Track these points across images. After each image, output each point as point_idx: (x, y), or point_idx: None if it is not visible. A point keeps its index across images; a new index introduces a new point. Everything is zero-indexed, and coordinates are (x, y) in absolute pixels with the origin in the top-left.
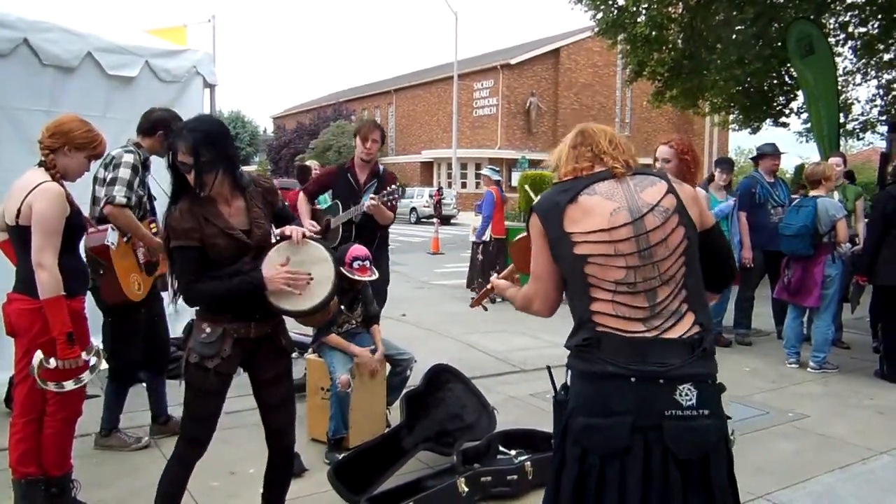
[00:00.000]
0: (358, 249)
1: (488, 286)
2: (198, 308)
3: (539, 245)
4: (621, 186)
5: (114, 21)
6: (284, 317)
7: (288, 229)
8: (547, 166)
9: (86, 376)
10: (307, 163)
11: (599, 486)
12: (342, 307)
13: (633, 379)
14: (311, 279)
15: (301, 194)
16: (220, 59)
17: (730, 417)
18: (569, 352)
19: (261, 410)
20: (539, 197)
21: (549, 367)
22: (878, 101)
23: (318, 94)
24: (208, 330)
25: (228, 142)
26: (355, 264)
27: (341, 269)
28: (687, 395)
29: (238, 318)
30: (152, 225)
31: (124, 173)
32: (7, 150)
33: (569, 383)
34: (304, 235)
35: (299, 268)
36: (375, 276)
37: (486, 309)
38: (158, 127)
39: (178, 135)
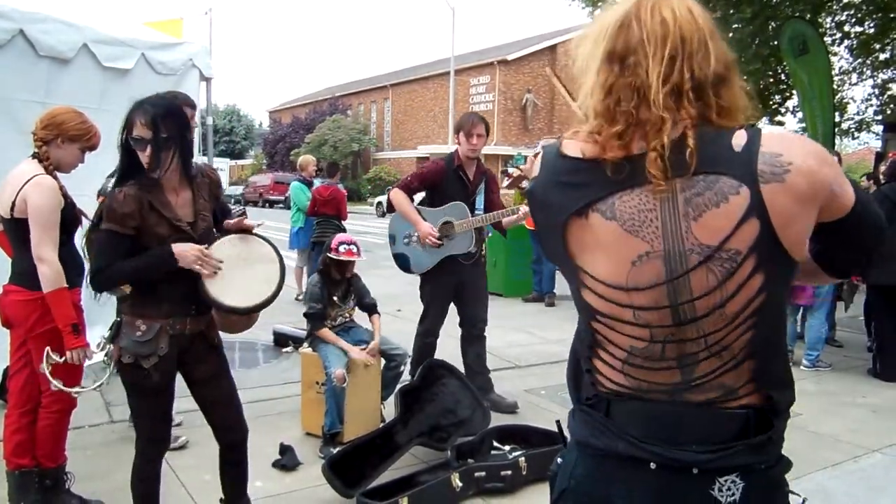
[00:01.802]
0: (344, 236)
1: (521, 171)
2: (127, 305)
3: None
4: (661, 206)
5: (110, 13)
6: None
7: (235, 222)
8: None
9: (105, 376)
10: (304, 156)
11: None
12: (335, 298)
13: (652, 465)
14: (221, 264)
15: (398, 191)
16: (216, 52)
17: (797, 494)
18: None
19: (204, 409)
20: (537, 175)
21: (558, 422)
22: (874, 101)
23: (314, 89)
24: (143, 328)
25: (187, 126)
26: (341, 248)
27: (328, 255)
28: (730, 489)
29: (174, 313)
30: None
31: None
32: (2, 141)
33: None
34: (251, 230)
35: (244, 264)
36: (362, 258)
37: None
38: None
39: (138, 108)
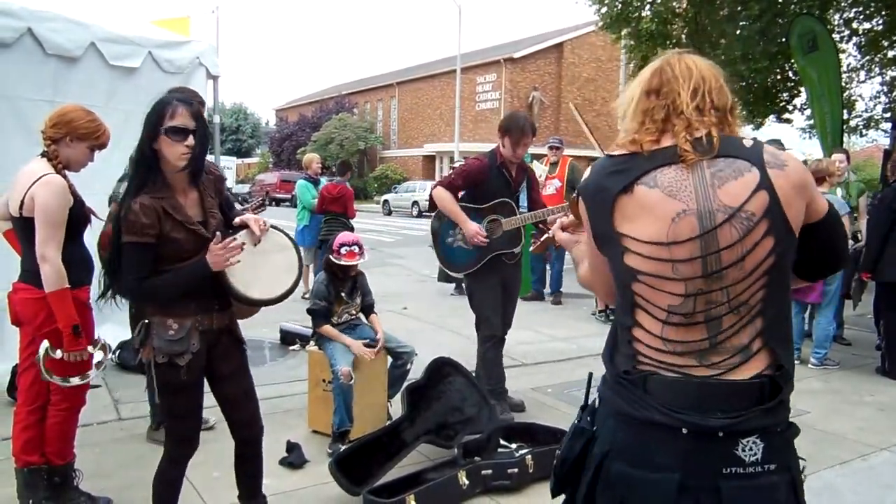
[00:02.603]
0: (345, 236)
1: (549, 234)
2: (153, 306)
3: (588, 235)
4: (692, 177)
5: (117, 11)
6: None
7: (245, 219)
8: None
9: (92, 373)
10: (308, 154)
11: None
12: (342, 294)
13: (684, 430)
14: (243, 245)
15: (443, 189)
16: (223, 50)
17: (802, 459)
18: (603, 376)
19: (225, 405)
20: (587, 173)
21: (590, 374)
22: (882, 98)
23: (321, 87)
24: (175, 326)
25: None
26: (343, 250)
27: (330, 257)
28: (752, 448)
29: (201, 310)
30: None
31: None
32: (10, 139)
33: (598, 410)
34: (265, 224)
35: (263, 256)
36: (364, 258)
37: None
38: None
39: (177, 99)
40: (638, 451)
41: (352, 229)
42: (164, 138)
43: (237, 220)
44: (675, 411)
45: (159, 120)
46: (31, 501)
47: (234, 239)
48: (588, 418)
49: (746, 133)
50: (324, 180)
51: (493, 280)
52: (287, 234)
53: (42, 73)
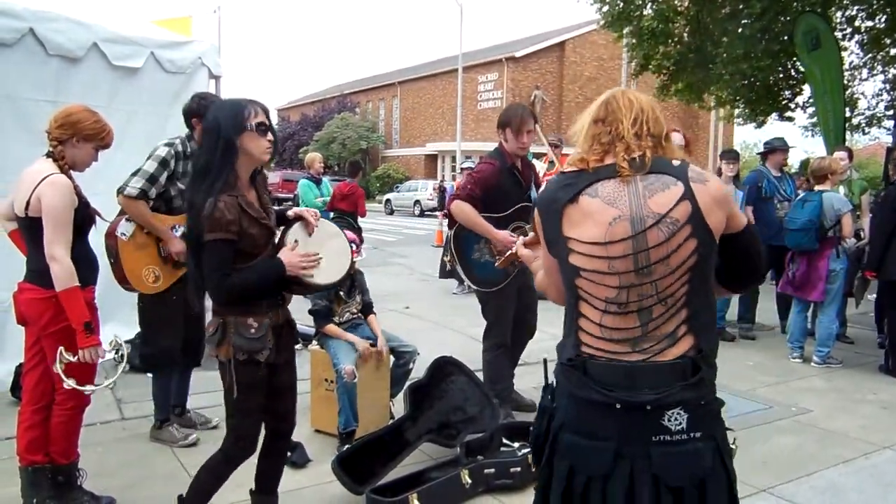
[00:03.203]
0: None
1: (513, 250)
2: (226, 307)
3: (541, 241)
4: (627, 189)
5: (119, 11)
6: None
7: (300, 211)
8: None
9: (116, 375)
10: (311, 154)
11: None
12: (340, 293)
13: (618, 406)
14: (320, 258)
15: (463, 203)
16: (224, 50)
17: (730, 429)
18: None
19: (273, 395)
20: (542, 188)
21: (545, 360)
22: (885, 96)
23: (323, 87)
24: (255, 325)
25: None
26: None
27: None
28: (676, 419)
29: (271, 307)
30: None
31: (149, 166)
32: (12, 140)
33: (556, 391)
34: (316, 214)
35: (316, 245)
36: (363, 256)
37: (515, 267)
38: (192, 116)
39: (249, 100)
40: (582, 425)
41: (359, 229)
42: (251, 133)
43: (291, 212)
44: (609, 390)
45: (244, 119)
46: (34, 500)
47: (317, 254)
48: (549, 397)
49: (748, 132)
50: (326, 180)
51: (513, 290)
52: (332, 222)
53: (44, 73)
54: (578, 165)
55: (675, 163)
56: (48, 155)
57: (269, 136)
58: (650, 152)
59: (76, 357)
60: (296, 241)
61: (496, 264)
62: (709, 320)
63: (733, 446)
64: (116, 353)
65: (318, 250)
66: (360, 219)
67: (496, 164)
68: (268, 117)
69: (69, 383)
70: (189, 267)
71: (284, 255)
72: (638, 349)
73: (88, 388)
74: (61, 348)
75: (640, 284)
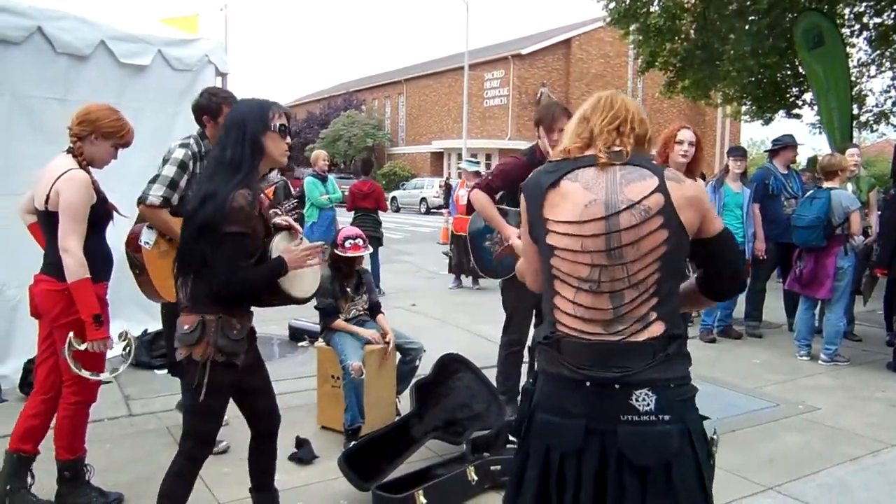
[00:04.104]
0: (349, 230)
1: (509, 242)
2: (215, 305)
3: (523, 223)
4: (605, 177)
5: (127, 9)
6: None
7: (283, 220)
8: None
9: (122, 367)
10: (316, 151)
11: (559, 483)
12: (347, 289)
13: (587, 384)
14: (322, 249)
15: (479, 192)
16: (231, 48)
17: (707, 418)
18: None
19: (247, 397)
20: (532, 173)
21: (531, 350)
22: (893, 93)
23: (329, 84)
24: (239, 326)
25: None
26: (347, 243)
27: (334, 251)
28: (644, 399)
29: (248, 310)
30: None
31: (168, 171)
32: (21, 137)
33: (537, 374)
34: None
35: None
36: (369, 251)
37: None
38: (202, 113)
39: (272, 101)
40: (555, 402)
41: (380, 223)
42: (274, 134)
43: (279, 220)
44: (579, 368)
45: (269, 118)
46: (9, 487)
47: (321, 244)
48: (531, 380)
49: (755, 129)
50: (332, 177)
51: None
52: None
53: (52, 71)
54: (562, 155)
55: (654, 161)
56: (68, 151)
57: (288, 140)
58: (630, 148)
59: (85, 346)
60: (301, 239)
61: (493, 257)
62: (677, 307)
63: (714, 436)
64: (125, 348)
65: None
66: (384, 213)
67: (522, 159)
68: (288, 120)
69: (75, 369)
70: (185, 257)
71: (287, 253)
72: (610, 331)
73: (92, 374)
74: (71, 335)
75: (612, 265)
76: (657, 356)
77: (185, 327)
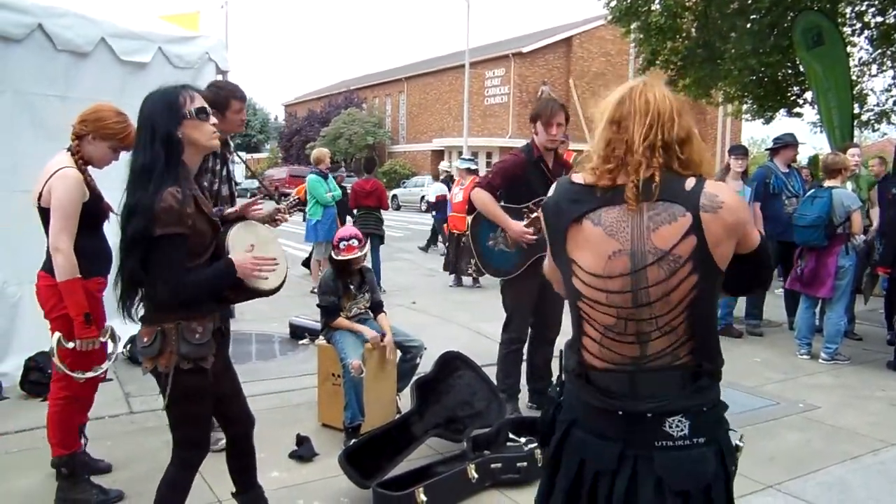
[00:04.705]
0: (345, 230)
1: (537, 214)
2: (173, 312)
3: (549, 241)
4: (631, 220)
5: (127, 6)
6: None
7: (245, 210)
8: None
9: (105, 365)
10: (320, 149)
11: (591, 497)
12: (350, 287)
13: (619, 413)
14: (277, 263)
15: (481, 190)
16: (232, 45)
17: (732, 430)
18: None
19: (219, 403)
20: (551, 191)
21: (562, 351)
22: (894, 92)
23: (330, 82)
24: (200, 330)
25: None
26: (342, 245)
27: (331, 253)
28: (678, 426)
29: (211, 310)
30: None
31: None
32: (20, 134)
33: (565, 386)
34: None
35: (261, 249)
36: (362, 253)
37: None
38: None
39: (182, 85)
40: (590, 424)
41: (381, 222)
42: (192, 121)
43: (235, 209)
44: (610, 398)
45: (179, 106)
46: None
47: (274, 259)
48: (558, 389)
49: (756, 128)
50: (331, 175)
51: (532, 283)
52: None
53: (53, 68)
54: (589, 180)
55: (689, 184)
56: (69, 149)
57: (213, 120)
58: (659, 174)
59: (73, 344)
60: (252, 244)
61: (525, 225)
62: (712, 346)
63: (740, 443)
64: (113, 342)
65: (261, 251)
66: (386, 211)
67: (521, 156)
68: (203, 99)
69: (60, 367)
70: (124, 271)
71: (238, 257)
72: (640, 368)
73: (73, 373)
74: (59, 334)
75: (639, 319)
76: (687, 385)
77: (145, 340)
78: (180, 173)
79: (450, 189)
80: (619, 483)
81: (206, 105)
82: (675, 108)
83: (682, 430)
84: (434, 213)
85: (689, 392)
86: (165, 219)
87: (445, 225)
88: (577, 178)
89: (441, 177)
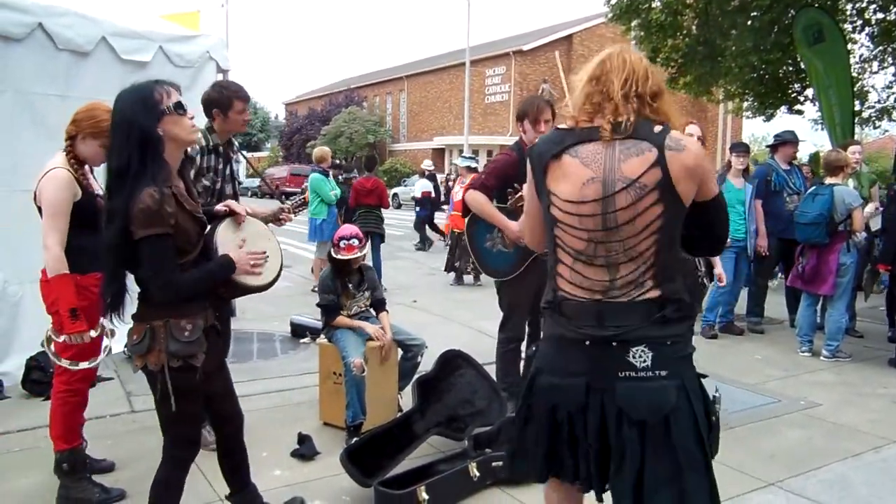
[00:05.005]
0: (345, 229)
1: (521, 193)
2: (163, 309)
3: (529, 184)
4: (605, 152)
5: (128, 6)
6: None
7: (231, 206)
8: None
9: (100, 357)
10: (322, 148)
11: (571, 436)
12: (349, 286)
13: (587, 342)
14: (268, 257)
15: (475, 192)
16: (232, 44)
17: (705, 376)
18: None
19: (210, 402)
20: (538, 139)
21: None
22: (895, 88)
23: (330, 81)
24: (189, 327)
25: None
26: (341, 244)
27: (330, 252)
28: (641, 356)
29: (202, 307)
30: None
31: None
32: (21, 133)
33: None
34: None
35: (252, 244)
36: (362, 253)
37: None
38: (213, 106)
39: (155, 80)
40: (557, 363)
41: (382, 220)
42: (171, 117)
43: (219, 207)
44: (578, 327)
45: (156, 102)
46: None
47: (265, 253)
48: (533, 348)
49: (756, 125)
50: (331, 173)
51: (530, 283)
52: (262, 221)
53: (53, 67)
54: (569, 123)
55: (657, 128)
56: (64, 148)
57: (191, 114)
58: (634, 116)
59: (63, 338)
60: (243, 239)
61: (510, 204)
62: (675, 273)
63: (716, 394)
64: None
65: (261, 248)
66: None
67: (513, 154)
68: (179, 93)
69: (54, 359)
70: (107, 275)
71: (234, 253)
72: (607, 297)
73: (82, 364)
74: (50, 327)
75: (608, 241)
76: (653, 316)
77: (134, 337)
78: (159, 172)
79: (436, 186)
80: (592, 417)
81: (182, 99)
82: (648, 68)
83: (644, 360)
84: (418, 209)
85: (654, 323)
86: (145, 220)
87: (447, 224)
88: (561, 126)
89: (425, 174)
